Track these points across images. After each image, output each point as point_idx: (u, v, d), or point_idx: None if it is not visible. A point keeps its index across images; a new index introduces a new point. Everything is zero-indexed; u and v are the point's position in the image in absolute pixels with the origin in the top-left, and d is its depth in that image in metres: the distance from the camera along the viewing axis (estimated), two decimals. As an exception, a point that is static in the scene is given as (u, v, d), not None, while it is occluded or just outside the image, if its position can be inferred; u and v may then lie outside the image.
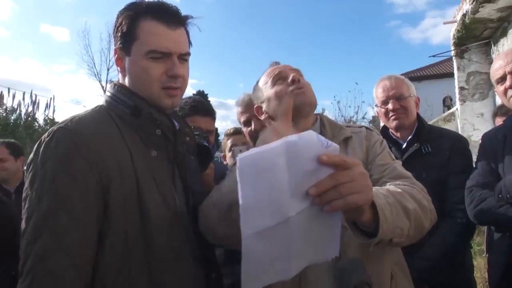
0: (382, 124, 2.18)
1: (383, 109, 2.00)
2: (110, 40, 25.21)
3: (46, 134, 1.01)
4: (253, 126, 1.78)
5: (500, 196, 1.46)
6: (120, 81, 1.16)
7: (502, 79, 1.59)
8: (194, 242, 1.15)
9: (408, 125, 1.96)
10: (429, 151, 1.85)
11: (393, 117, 1.95)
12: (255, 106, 1.42)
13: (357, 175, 0.78)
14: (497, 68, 1.62)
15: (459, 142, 1.93)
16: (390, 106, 1.95)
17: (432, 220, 1.12)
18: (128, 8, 1.11)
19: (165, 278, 1.02)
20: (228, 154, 2.10)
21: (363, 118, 17.82)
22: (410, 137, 1.94)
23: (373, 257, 1.13)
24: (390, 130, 2.06)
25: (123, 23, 1.08)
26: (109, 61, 24.89)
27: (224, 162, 2.24)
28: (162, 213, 1.04)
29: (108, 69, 24.81)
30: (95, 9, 45.23)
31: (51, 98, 11.91)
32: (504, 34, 5.29)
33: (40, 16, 43.88)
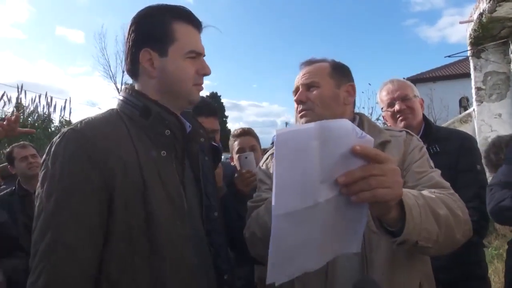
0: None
1: (389, 112, 2.01)
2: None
3: (57, 136, 1.05)
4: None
5: None
6: (138, 84, 1.17)
7: None
8: (205, 242, 1.16)
9: (416, 126, 1.96)
10: (437, 151, 1.84)
11: (400, 118, 1.95)
12: None
13: (389, 170, 0.78)
14: None
15: (467, 141, 1.92)
16: (396, 107, 1.95)
17: (466, 233, 1.08)
18: (158, 11, 1.15)
19: (169, 281, 1.02)
20: (235, 156, 2.08)
21: (377, 119, 17.66)
22: None
23: (401, 264, 1.11)
24: None
25: (157, 25, 1.13)
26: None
27: (232, 163, 2.23)
28: (167, 212, 1.05)
29: (123, 71, 25.20)
30: (110, 11, 46.07)
31: (66, 100, 12.07)
32: (522, 33, 5.18)
33: (55, 18, 44.83)
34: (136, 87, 1.18)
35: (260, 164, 1.45)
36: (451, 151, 1.84)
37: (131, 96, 1.14)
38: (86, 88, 43.63)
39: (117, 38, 26.17)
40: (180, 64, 1.13)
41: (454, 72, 17.08)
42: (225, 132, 29.10)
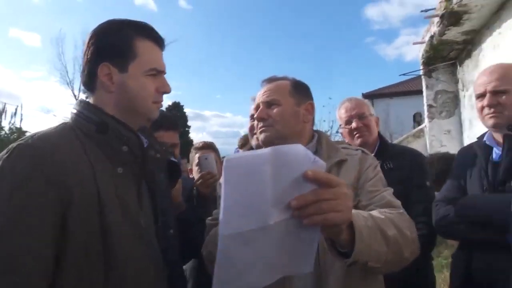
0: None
1: (347, 129, 2.10)
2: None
3: (5, 151, 0.99)
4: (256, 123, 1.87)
5: (459, 213, 1.52)
6: (93, 98, 1.15)
7: (482, 95, 1.62)
8: (160, 259, 1.14)
9: (371, 143, 2.05)
10: (391, 167, 1.94)
11: (357, 135, 2.05)
12: None
13: (340, 195, 0.80)
14: (479, 84, 1.64)
15: (418, 158, 2.05)
16: (354, 124, 2.05)
17: (414, 251, 1.14)
18: (120, 26, 1.13)
19: None
20: (195, 168, 2.07)
21: (337, 132, 18.23)
22: (373, 155, 2.02)
23: (355, 283, 1.14)
24: None
25: (118, 40, 1.11)
26: (83, 70, 24.40)
27: (190, 176, 2.20)
28: (124, 230, 1.02)
29: (81, 78, 24.30)
30: (69, 15, 44.09)
31: (18, 106, 11.43)
32: (468, 55, 5.58)
33: (9, 20, 42.52)
34: (92, 101, 1.15)
35: (221, 180, 1.45)
36: (404, 167, 1.94)
37: (86, 110, 1.11)
38: (41, 94, 41.43)
39: (76, 43, 25.21)
40: (140, 81, 1.11)
41: (409, 89, 17.98)
42: (188, 142, 28.71)
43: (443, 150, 6.01)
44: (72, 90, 24.24)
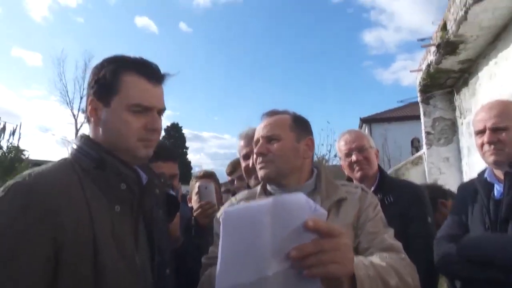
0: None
1: (347, 162, 2.08)
2: (85, 69, 25.06)
3: (1, 189, 0.98)
4: (251, 163, 1.80)
5: (461, 253, 1.50)
6: (90, 131, 1.15)
7: (481, 132, 1.62)
8: None
9: (371, 176, 2.04)
10: (391, 201, 1.92)
11: (357, 168, 2.04)
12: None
13: (341, 246, 0.79)
14: (478, 120, 1.65)
15: (418, 191, 2.04)
16: (354, 157, 2.05)
17: None
18: (111, 61, 1.14)
19: None
20: (194, 197, 2.04)
21: (335, 156, 18.27)
22: (373, 188, 2.00)
23: None
24: (354, 181, 2.11)
25: (105, 75, 1.10)
26: (83, 89, 24.74)
27: (189, 205, 2.18)
28: (119, 270, 1.01)
29: (81, 98, 24.52)
30: (72, 36, 44.95)
31: (17, 125, 11.41)
32: (465, 84, 5.64)
33: (12, 39, 43.14)
34: (90, 135, 1.15)
35: (217, 215, 1.43)
36: (404, 201, 1.93)
37: (86, 146, 1.11)
38: (40, 113, 41.80)
39: (77, 64, 25.62)
40: (122, 117, 1.08)
41: (407, 114, 18.10)
42: (186, 163, 28.64)
43: (442, 177, 5.99)
44: (72, 110, 24.41)
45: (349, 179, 2.16)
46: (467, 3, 3.70)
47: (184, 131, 30.25)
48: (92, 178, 1.05)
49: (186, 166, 27.86)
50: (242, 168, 1.94)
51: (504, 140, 1.53)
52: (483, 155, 1.62)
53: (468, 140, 5.58)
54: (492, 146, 1.55)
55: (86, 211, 1.00)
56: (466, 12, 3.83)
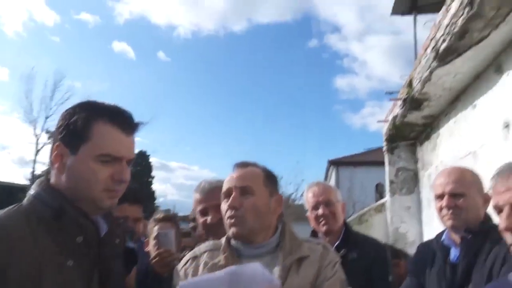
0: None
1: (313, 214, 2.10)
2: (54, 89, 24.39)
3: None
4: (209, 218, 1.74)
5: None
6: (52, 177, 1.10)
7: (440, 196, 1.68)
8: None
9: (337, 230, 2.07)
10: (354, 257, 1.94)
11: (323, 223, 2.06)
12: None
13: None
14: (438, 185, 1.72)
15: (381, 250, 2.09)
16: (320, 211, 2.07)
17: None
18: (84, 107, 1.10)
19: None
20: (152, 242, 1.95)
21: (301, 195, 18.47)
22: (337, 242, 2.02)
23: None
24: (319, 235, 2.13)
25: (77, 121, 1.06)
26: (49, 109, 23.96)
27: (146, 249, 2.08)
28: None
29: (46, 118, 23.69)
30: (44, 54, 43.69)
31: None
32: (427, 138, 5.93)
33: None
34: (51, 180, 1.10)
35: (178, 267, 1.38)
36: (367, 259, 1.96)
37: (45, 192, 1.05)
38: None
39: (47, 83, 24.86)
40: (90, 166, 1.05)
41: (373, 159, 18.67)
42: (150, 194, 27.85)
43: (403, 226, 6.14)
44: (34, 129, 23.44)
45: (314, 232, 2.18)
46: (432, 66, 3.96)
47: (152, 159, 29.49)
48: (47, 229, 1.00)
49: (150, 196, 27.09)
50: (200, 223, 1.84)
51: (461, 206, 1.60)
52: (441, 218, 1.69)
53: (428, 192, 5.79)
54: (450, 211, 1.62)
55: (36, 267, 0.94)
56: (430, 73, 4.09)
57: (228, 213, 1.30)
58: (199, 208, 1.83)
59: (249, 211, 1.28)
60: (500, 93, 3.59)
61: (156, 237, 1.81)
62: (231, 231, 1.30)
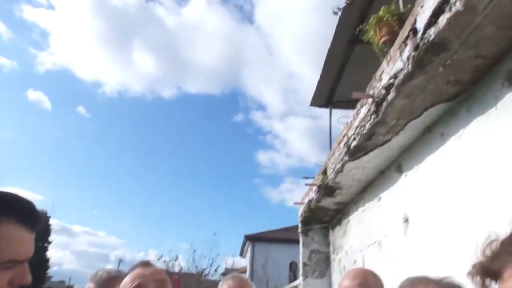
0: None
1: None
2: None
3: None
4: None
5: None
6: None
7: None
8: None
9: None
10: None
11: None
12: None
13: None
14: (343, 286, 1.81)
15: None
16: None
17: None
18: None
19: None
20: None
21: (216, 270, 17.70)
22: None
23: None
24: None
25: None
26: None
27: None
28: None
29: None
30: None
31: None
32: (338, 223, 6.27)
33: None
34: None
35: None
36: None
37: None
38: None
39: None
40: None
41: (288, 237, 18.99)
42: (43, 261, 24.33)
43: (314, 311, 6.13)
44: None
45: None
46: (343, 159, 4.35)
47: (52, 221, 26.44)
48: None
49: (42, 264, 23.66)
50: None
51: None
52: None
53: (338, 276, 5.97)
54: None
55: None
56: (342, 165, 4.48)
57: None
58: None
59: None
60: (400, 190, 4.03)
61: None
62: None
